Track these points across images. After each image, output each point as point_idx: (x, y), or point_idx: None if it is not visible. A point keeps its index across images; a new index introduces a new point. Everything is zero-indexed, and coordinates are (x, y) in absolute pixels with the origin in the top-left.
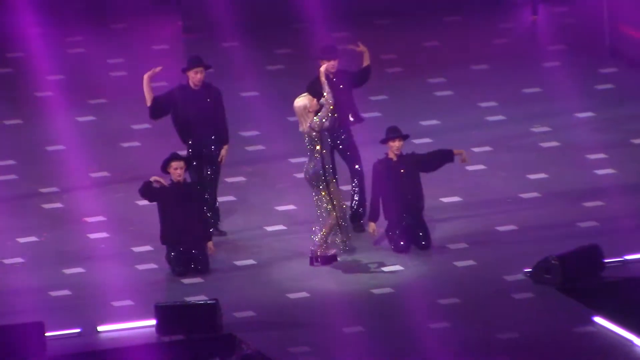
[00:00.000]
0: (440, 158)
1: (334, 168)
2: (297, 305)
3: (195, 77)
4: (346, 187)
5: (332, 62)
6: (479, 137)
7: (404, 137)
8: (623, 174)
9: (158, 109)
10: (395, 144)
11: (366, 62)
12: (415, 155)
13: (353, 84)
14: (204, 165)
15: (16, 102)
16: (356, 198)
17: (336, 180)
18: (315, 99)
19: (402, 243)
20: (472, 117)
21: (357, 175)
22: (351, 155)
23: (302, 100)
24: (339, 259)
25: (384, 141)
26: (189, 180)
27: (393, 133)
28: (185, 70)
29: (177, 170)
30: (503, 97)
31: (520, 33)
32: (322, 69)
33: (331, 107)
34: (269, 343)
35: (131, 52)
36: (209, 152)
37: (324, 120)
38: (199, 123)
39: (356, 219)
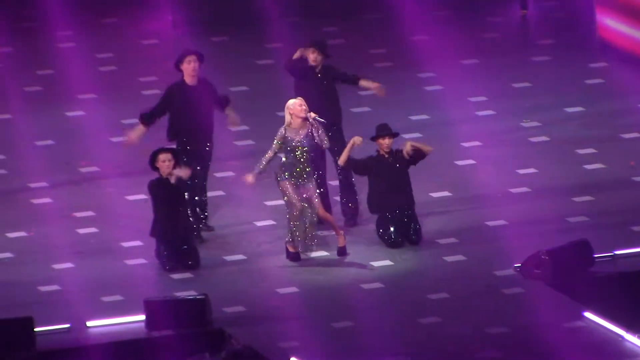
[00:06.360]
0: (421, 154)
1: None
2: (286, 300)
3: (189, 67)
4: (335, 182)
5: (318, 56)
6: (469, 132)
7: (394, 135)
8: (612, 169)
9: (152, 121)
10: (385, 142)
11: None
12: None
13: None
14: (194, 160)
15: (5, 97)
16: (345, 195)
17: (296, 180)
18: (300, 110)
19: (400, 239)
20: (462, 112)
21: (344, 172)
22: (338, 152)
23: (292, 100)
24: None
25: (374, 138)
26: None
27: (383, 131)
28: (178, 64)
29: (166, 163)
30: (493, 92)
31: (510, 27)
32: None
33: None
34: (259, 338)
35: (121, 46)
36: (201, 148)
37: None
38: (195, 119)
39: (346, 216)
